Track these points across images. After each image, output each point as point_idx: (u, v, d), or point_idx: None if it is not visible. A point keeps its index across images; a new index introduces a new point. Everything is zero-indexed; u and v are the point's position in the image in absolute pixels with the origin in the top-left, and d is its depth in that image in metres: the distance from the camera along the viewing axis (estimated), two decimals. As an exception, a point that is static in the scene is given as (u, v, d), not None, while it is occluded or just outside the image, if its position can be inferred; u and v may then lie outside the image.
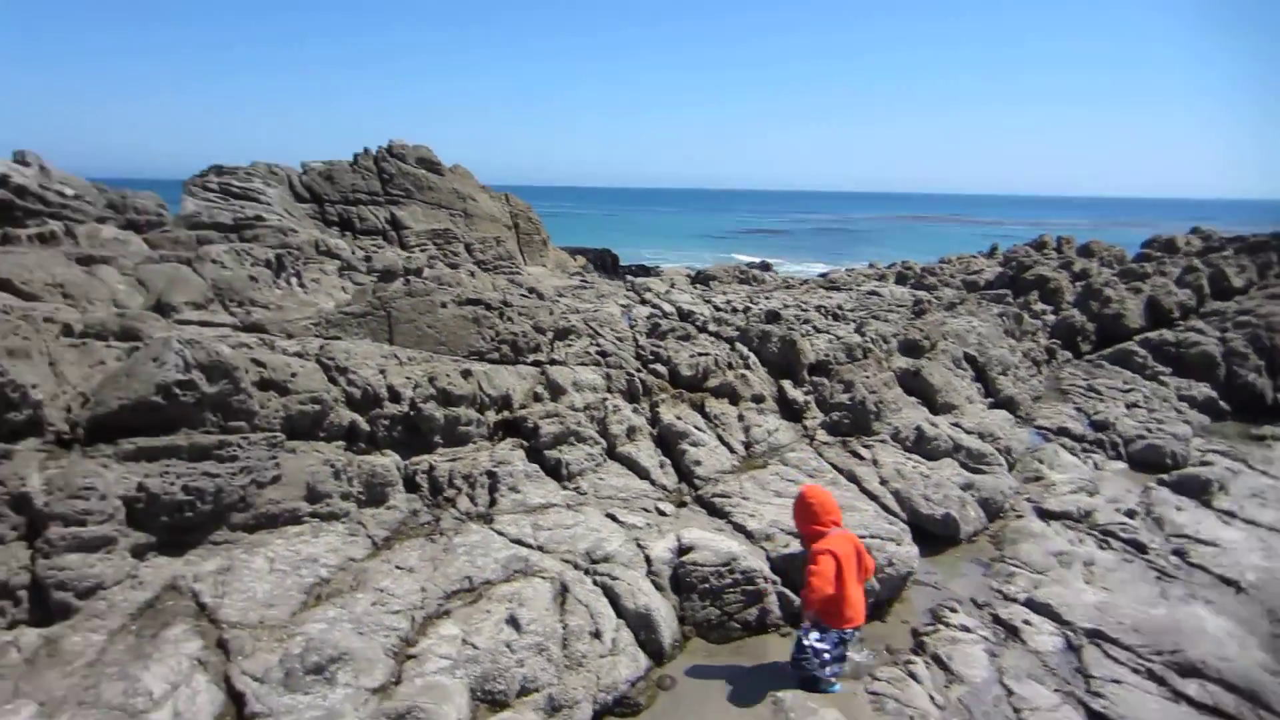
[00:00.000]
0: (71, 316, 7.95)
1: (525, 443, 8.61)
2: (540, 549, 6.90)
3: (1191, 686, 6.12)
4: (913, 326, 13.71)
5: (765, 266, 22.37)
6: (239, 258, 11.12)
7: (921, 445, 10.06)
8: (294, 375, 7.61)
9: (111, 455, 6.11)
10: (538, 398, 9.32)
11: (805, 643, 5.85)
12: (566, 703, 5.35)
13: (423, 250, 18.65)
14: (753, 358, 11.45)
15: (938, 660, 6.46)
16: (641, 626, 6.18)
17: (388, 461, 7.68)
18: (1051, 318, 17.47)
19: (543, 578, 6.39)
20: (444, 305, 10.01)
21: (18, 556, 5.40)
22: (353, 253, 17.20)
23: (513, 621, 5.77)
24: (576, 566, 6.68)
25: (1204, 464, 10.94)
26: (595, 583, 6.46)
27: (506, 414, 8.93)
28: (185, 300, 9.57)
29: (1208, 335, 15.74)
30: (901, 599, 7.51)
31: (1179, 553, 8.47)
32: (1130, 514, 9.43)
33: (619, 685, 5.65)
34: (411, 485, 7.75)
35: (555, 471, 8.31)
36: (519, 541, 6.99)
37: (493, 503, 7.67)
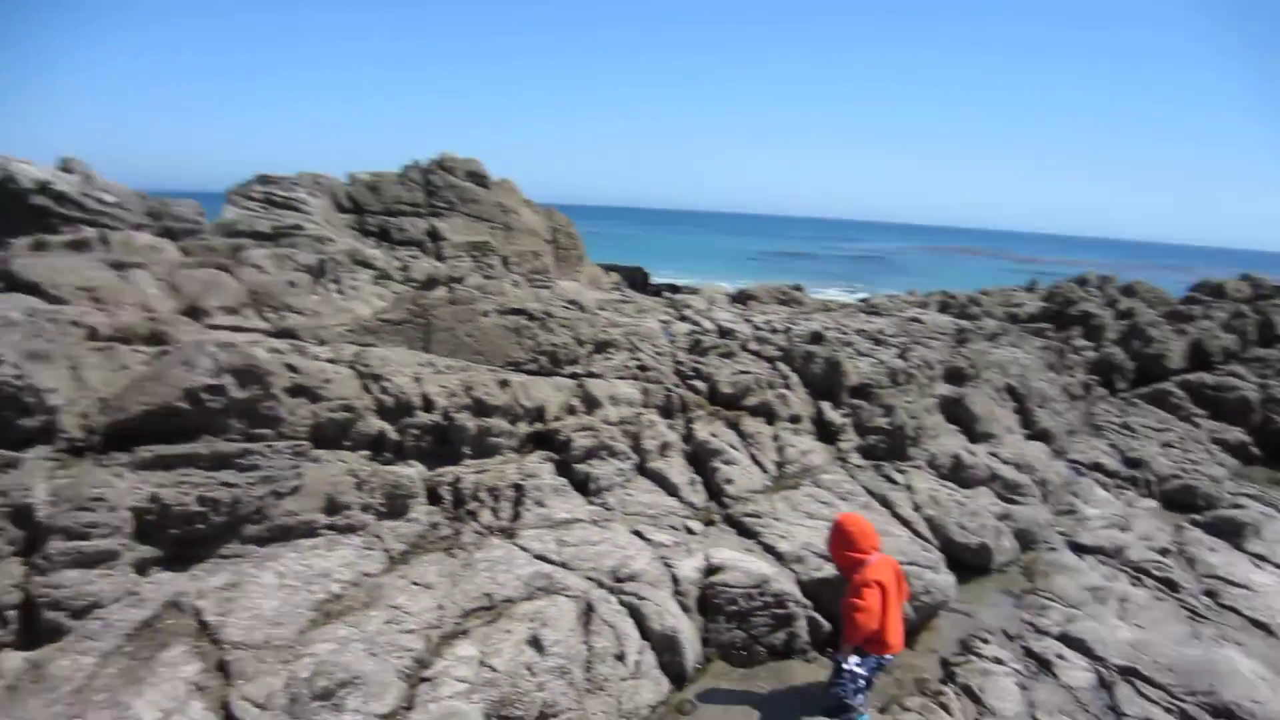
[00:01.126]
0: (99, 320, 7.80)
1: (555, 456, 8.40)
2: (564, 566, 6.67)
3: (1229, 729, 5.69)
4: (957, 354, 13.22)
5: (797, 288, 21.86)
6: (280, 262, 10.97)
7: (958, 473, 9.74)
8: (327, 381, 7.40)
9: (127, 464, 5.94)
10: (572, 410, 9.04)
11: (845, 667, 5.52)
12: (586, 729, 5.00)
13: (459, 261, 18.44)
14: (794, 377, 11.12)
15: (968, 691, 6.21)
16: (665, 649, 5.97)
17: (411, 472, 7.45)
18: (1092, 354, 16.85)
19: (567, 596, 6.16)
20: (486, 314, 9.77)
21: (11, 574, 5.18)
22: (389, 262, 17.12)
23: (535, 642, 5.54)
24: (602, 585, 6.44)
25: (1236, 506, 10.47)
26: (621, 602, 6.22)
27: (539, 426, 8.69)
28: (219, 305, 9.42)
29: (1246, 380, 15.11)
30: (931, 627, 7.23)
31: (1211, 593, 8.15)
32: (1163, 552, 9.06)
33: (640, 710, 5.47)
34: (434, 498, 7.56)
35: (583, 486, 8.09)
36: (542, 558, 6.76)
37: (516, 516, 7.44)
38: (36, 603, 5.10)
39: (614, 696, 5.33)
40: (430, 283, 11.09)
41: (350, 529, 6.73)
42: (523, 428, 8.58)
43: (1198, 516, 10.12)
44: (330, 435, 7.19)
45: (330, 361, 8.03)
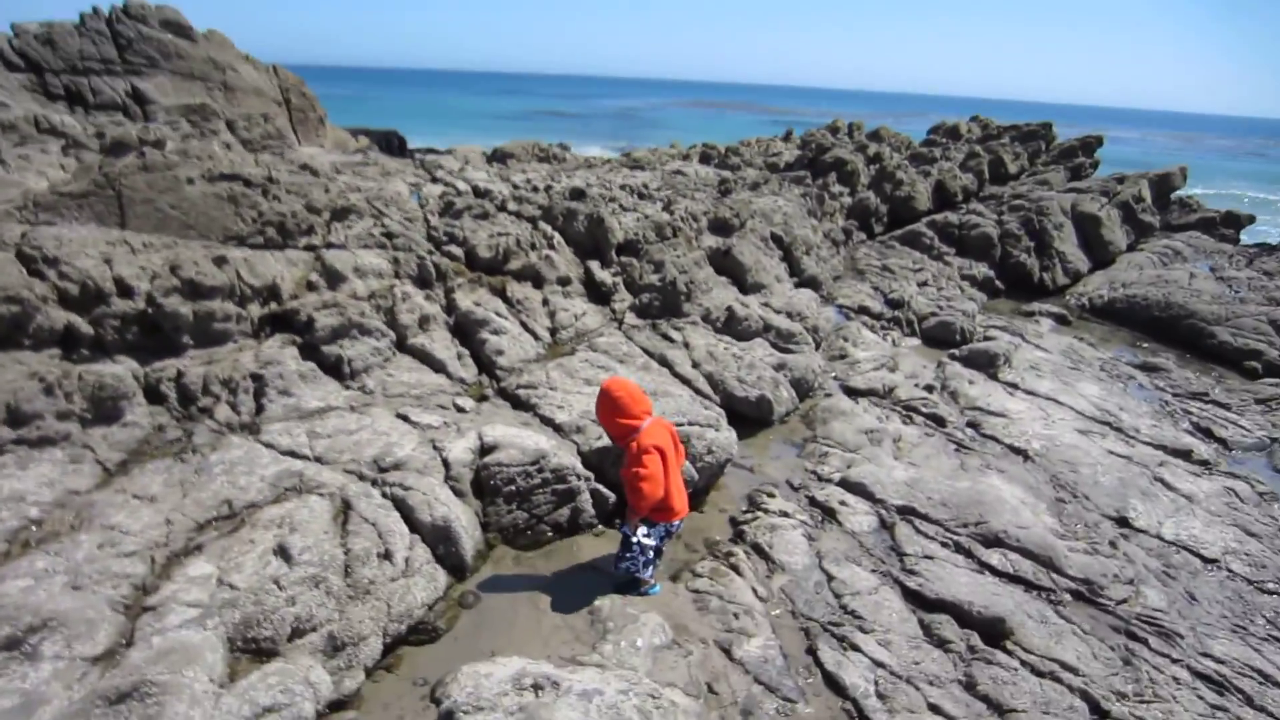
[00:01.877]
0: None
1: (298, 339, 7.42)
2: (318, 460, 5.95)
3: (994, 557, 6.22)
4: (722, 204, 13.33)
5: (564, 148, 21.22)
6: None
7: (733, 326, 9.75)
8: (-21, 269, 6.02)
9: None
10: (312, 287, 8.07)
11: (633, 540, 5.30)
12: (350, 639, 4.57)
13: (175, 128, 16.07)
14: (557, 237, 10.62)
15: (758, 550, 6.23)
16: (440, 540, 5.44)
17: (120, 370, 6.31)
18: (848, 200, 17.78)
19: (320, 494, 5.47)
20: (191, 182, 8.37)
21: None
22: (84, 130, 14.62)
23: (281, 551, 4.87)
24: (362, 478, 5.79)
25: (988, 339, 11.50)
26: (385, 495, 5.60)
27: (274, 306, 7.66)
28: None
29: (986, 217, 16.61)
30: (718, 486, 7.22)
31: (973, 424, 8.79)
32: (929, 389, 9.68)
33: (414, 611, 4.94)
34: (155, 396, 6.43)
35: (336, 370, 7.26)
36: (292, 453, 5.99)
37: (259, 410, 6.56)
38: None
39: (383, 600, 4.80)
40: (118, 147, 9.41)
41: (46, 441, 5.63)
42: (254, 310, 7.54)
43: (955, 351, 10.90)
44: (-1, 334, 5.95)
45: (-12, 244, 6.61)
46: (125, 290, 6.75)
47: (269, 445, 6.05)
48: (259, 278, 7.63)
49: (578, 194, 12.16)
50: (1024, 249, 15.79)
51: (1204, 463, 8.28)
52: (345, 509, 5.36)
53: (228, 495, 5.38)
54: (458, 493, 5.89)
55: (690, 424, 6.99)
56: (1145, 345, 12.64)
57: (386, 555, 5.09)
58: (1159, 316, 13.31)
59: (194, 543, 4.96)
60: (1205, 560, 6.51)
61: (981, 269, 15.25)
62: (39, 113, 14.72)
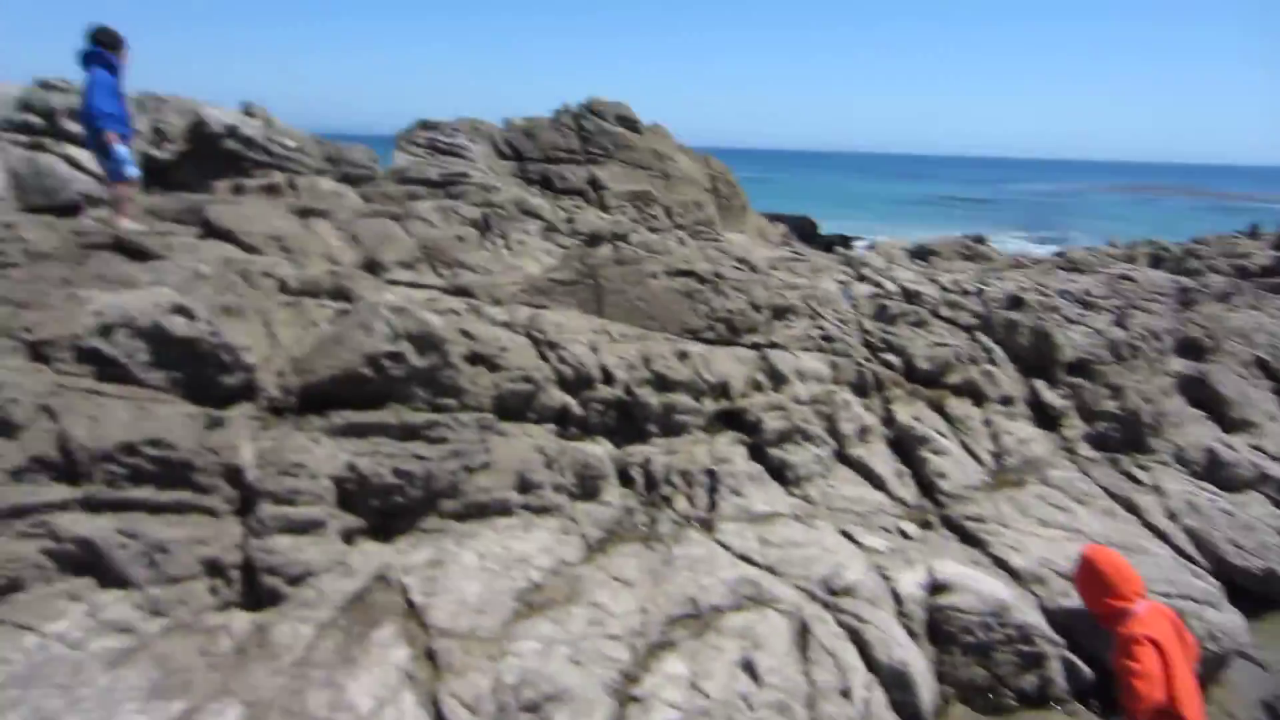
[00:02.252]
0: (288, 272, 7.74)
1: (746, 438, 7.69)
2: (771, 571, 5.98)
3: None
4: (1188, 321, 11.62)
5: (980, 241, 20.09)
6: (446, 216, 10.82)
7: (1215, 472, 8.36)
8: (504, 350, 7.02)
9: (322, 428, 5.68)
10: (758, 386, 8.36)
11: None
12: (813, 780, 4.44)
13: (622, 212, 18.04)
14: (997, 350, 9.95)
15: None
16: (896, 685, 5.14)
17: (600, 451, 6.98)
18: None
19: (778, 610, 5.47)
20: (654, 276, 9.21)
21: (231, 533, 5.05)
22: (554, 213, 16.88)
23: (748, 667, 4.90)
24: (814, 598, 5.71)
25: None
26: (839, 623, 5.46)
27: (725, 403, 8.03)
28: (395, 259, 9.26)
29: None
30: (1219, 682, 6.02)
31: None
32: None
33: None
34: (625, 479, 7.01)
35: (779, 474, 7.36)
36: (745, 558, 6.10)
37: (712, 506, 6.82)
38: (255, 566, 4.98)
39: (842, 742, 4.60)
40: (595, 239, 10.64)
41: (545, 510, 6.32)
42: (709, 404, 7.98)
43: None
44: (514, 407, 6.83)
45: (505, 326, 7.73)
46: (608, 377, 7.49)
47: (725, 546, 6.23)
48: (714, 374, 8.06)
49: (1016, 302, 11.37)
50: None
51: None
52: (804, 632, 5.30)
53: (693, 593, 5.59)
54: (911, 633, 5.57)
55: (1180, 597, 6.00)
56: None
57: (845, 693, 4.91)
58: None
59: (667, 637, 5.20)
60: None
61: None
62: (521, 196, 17.28)
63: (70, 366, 5.11)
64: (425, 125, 20.50)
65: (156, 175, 14.10)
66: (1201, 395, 9.83)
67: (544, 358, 7.43)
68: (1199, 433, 8.94)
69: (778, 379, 8.37)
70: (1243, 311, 12.85)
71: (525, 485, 6.30)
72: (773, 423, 7.59)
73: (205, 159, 14.87)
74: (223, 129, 15.00)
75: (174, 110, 16.06)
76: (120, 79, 8.78)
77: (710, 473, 7.04)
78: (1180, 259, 18.48)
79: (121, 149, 8.53)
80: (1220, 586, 6.52)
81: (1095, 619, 4.98)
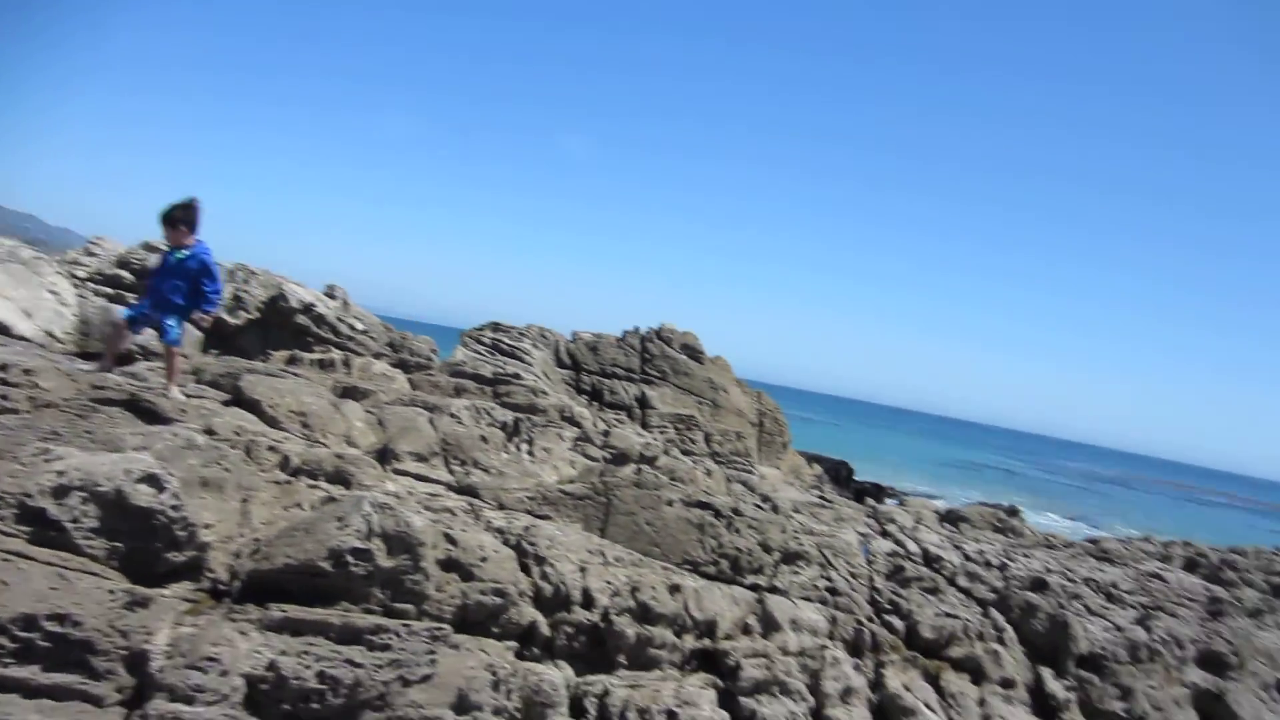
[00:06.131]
0: (295, 449, 7.80)
1: (719, 682, 7.14)
2: None
3: None
4: (1215, 633, 10.71)
5: (1013, 512, 19.38)
6: (476, 415, 10.94)
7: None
8: (483, 560, 6.76)
9: (255, 620, 5.42)
10: (746, 629, 7.85)
11: None
12: None
13: (662, 432, 18.10)
14: (1009, 631, 9.28)
15: None
16: None
17: (556, 677, 6.50)
18: None
19: None
20: (670, 504, 8.98)
21: None
22: (594, 424, 17.00)
23: None
24: None
25: None
26: None
27: (707, 642, 7.53)
28: (410, 449, 9.30)
29: None
30: None
31: None
32: None
33: None
34: (577, 709, 6.50)
35: (748, 729, 6.72)
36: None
37: (669, 755, 6.21)
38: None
39: None
40: (622, 458, 10.55)
41: (474, 738, 5.90)
42: (689, 641, 7.49)
43: None
44: (477, 620, 6.47)
45: (498, 533, 7.52)
46: (588, 601, 7.11)
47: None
48: (703, 612, 7.62)
49: (1039, 585, 10.68)
50: None
51: None
52: None
53: None
54: None
55: None
56: None
57: None
58: None
59: None
60: None
61: None
62: (566, 404, 17.54)
63: (6, 525, 4.95)
64: (495, 326, 21.44)
65: (223, 340, 14.88)
66: (1215, 712, 9.02)
67: (526, 570, 7.14)
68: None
69: (769, 625, 7.88)
70: (1272, 631, 11.94)
71: (463, 706, 5.83)
72: (752, 670, 7.10)
73: (273, 328, 15.68)
74: (299, 304, 15.89)
75: (260, 283, 17.18)
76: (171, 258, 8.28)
77: (671, 714, 6.46)
78: (1216, 567, 17.34)
79: (170, 319, 8.30)
80: None
81: None
